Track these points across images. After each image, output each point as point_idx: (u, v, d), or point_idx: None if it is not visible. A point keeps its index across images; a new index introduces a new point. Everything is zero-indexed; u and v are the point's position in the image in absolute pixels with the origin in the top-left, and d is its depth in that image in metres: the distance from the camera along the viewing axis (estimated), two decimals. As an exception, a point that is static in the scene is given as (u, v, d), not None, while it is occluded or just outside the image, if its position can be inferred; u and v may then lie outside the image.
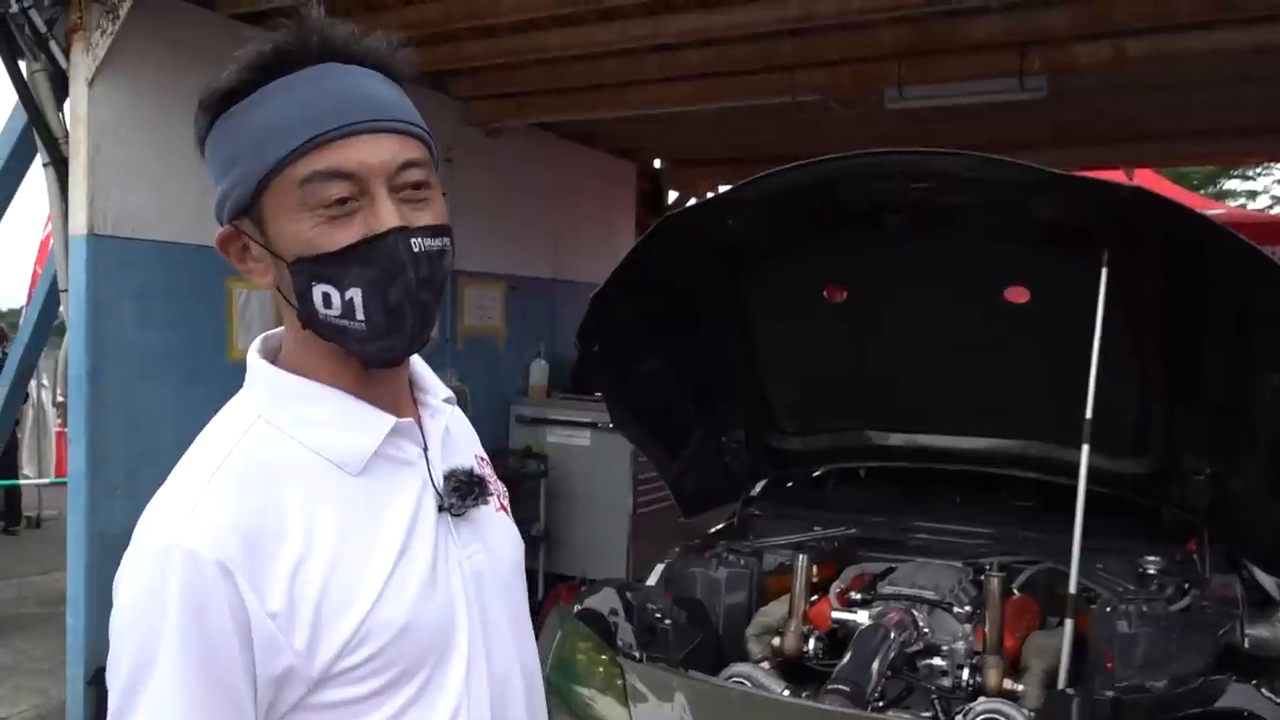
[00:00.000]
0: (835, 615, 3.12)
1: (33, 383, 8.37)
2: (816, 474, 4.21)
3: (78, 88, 4.06)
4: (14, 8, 4.05)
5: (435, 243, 0.98)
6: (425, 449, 1.07)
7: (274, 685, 0.92)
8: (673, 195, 8.44)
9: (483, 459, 1.19)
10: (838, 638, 3.16)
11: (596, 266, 7.14)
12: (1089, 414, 2.76)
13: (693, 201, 7.74)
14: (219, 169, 0.99)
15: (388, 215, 0.95)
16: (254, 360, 1.05)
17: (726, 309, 3.49)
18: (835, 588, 3.30)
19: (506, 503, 1.18)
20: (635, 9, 4.35)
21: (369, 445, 1.01)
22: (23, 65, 4.21)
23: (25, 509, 9.03)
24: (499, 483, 1.16)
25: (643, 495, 5.89)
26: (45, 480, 8.78)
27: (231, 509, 0.92)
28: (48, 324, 4.85)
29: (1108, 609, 2.94)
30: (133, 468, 4.16)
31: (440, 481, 1.06)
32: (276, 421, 1.00)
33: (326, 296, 0.95)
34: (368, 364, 1.01)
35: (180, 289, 4.31)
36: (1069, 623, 2.78)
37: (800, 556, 3.14)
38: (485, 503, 1.09)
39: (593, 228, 7.27)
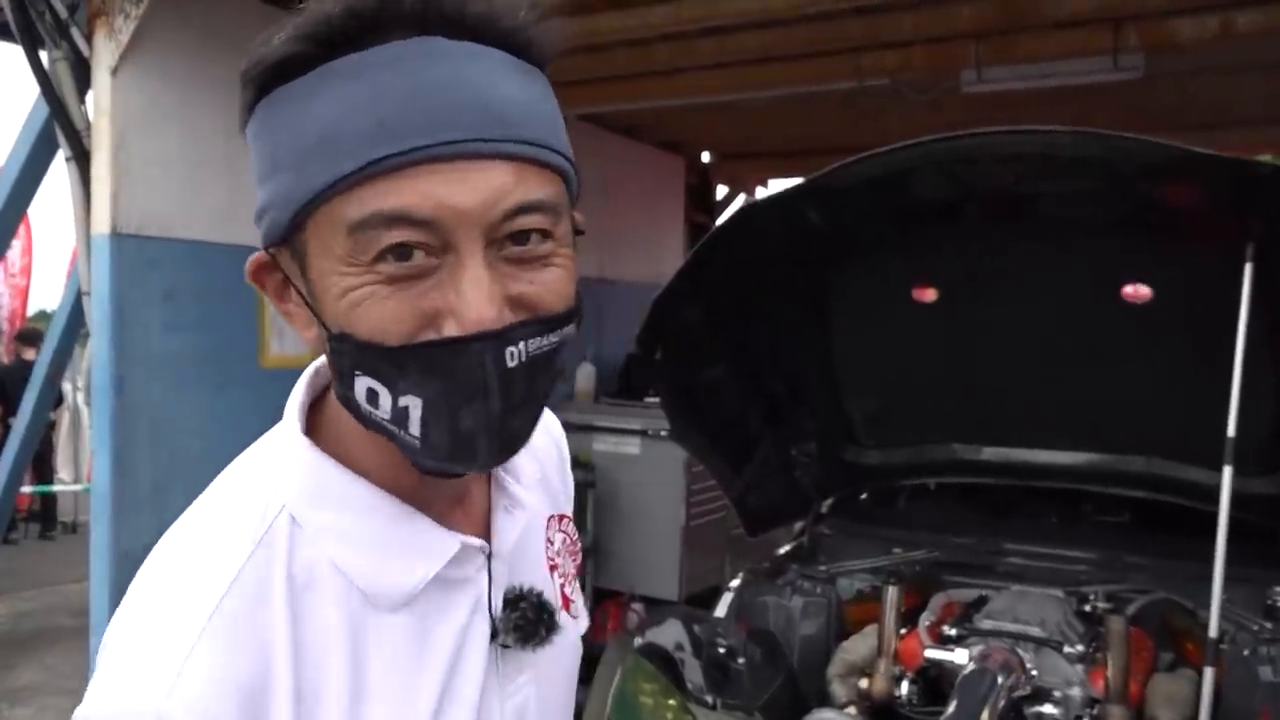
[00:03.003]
0: (929, 654, 2.79)
1: (67, 385, 8.25)
2: (889, 489, 3.88)
3: (101, 77, 3.83)
4: (34, -7, 3.83)
5: (545, 343, 0.68)
6: (490, 556, 0.80)
7: None
8: (722, 190, 8.12)
9: (565, 518, 0.95)
10: (930, 677, 2.85)
11: (643, 265, 6.86)
12: (1231, 431, 2.41)
13: (768, 192, 7.42)
14: (259, 170, 0.69)
15: (474, 299, 0.64)
16: (292, 424, 0.77)
17: (801, 311, 3.18)
18: (924, 620, 2.98)
19: (574, 591, 0.92)
20: (690, -12, 4.06)
21: (416, 580, 0.74)
22: (44, 54, 3.98)
23: (61, 514, 8.91)
24: (577, 555, 0.93)
25: (695, 507, 5.60)
26: (80, 486, 8.64)
27: (232, 662, 0.66)
28: (76, 327, 4.65)
29: (1246, 651, 2.60)
30: (159, 481, 3.93)
31: (499, 606, 0.80)
32: (306, 523, 0.73)
33: (373, 394, 0.67)
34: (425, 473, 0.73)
35: (209, 291, 4.07)
36: (1209, 671, 2.44)
37: (891, 589, 2.82)
38: (550, 643, 0.82)
39: (639, 225, 6.98)
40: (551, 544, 0.91)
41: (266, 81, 0.66)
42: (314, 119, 0.64)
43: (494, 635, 0.78)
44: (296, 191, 0.65)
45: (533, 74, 0.69)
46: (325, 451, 0.75)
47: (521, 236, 0.66)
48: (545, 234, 0.67)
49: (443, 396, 0.65)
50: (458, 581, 0.77)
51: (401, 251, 0.63)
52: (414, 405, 0.65)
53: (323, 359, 0.77)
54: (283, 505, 0.73)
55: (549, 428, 0.98)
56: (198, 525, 0.74)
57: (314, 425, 0.77)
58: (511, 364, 0.65)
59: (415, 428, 0.67)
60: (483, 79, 0.65)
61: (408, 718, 0.73)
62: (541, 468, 0.93)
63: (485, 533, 0.81)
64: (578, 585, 0.93)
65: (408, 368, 0.65)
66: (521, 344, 0.65)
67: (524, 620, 0.79)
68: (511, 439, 0.69)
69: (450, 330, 0.64)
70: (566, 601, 0.90)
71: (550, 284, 0.68)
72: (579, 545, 0.96)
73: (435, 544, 0.75)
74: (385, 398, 0.66)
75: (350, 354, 0.66)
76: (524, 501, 0.84)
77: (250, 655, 0.67)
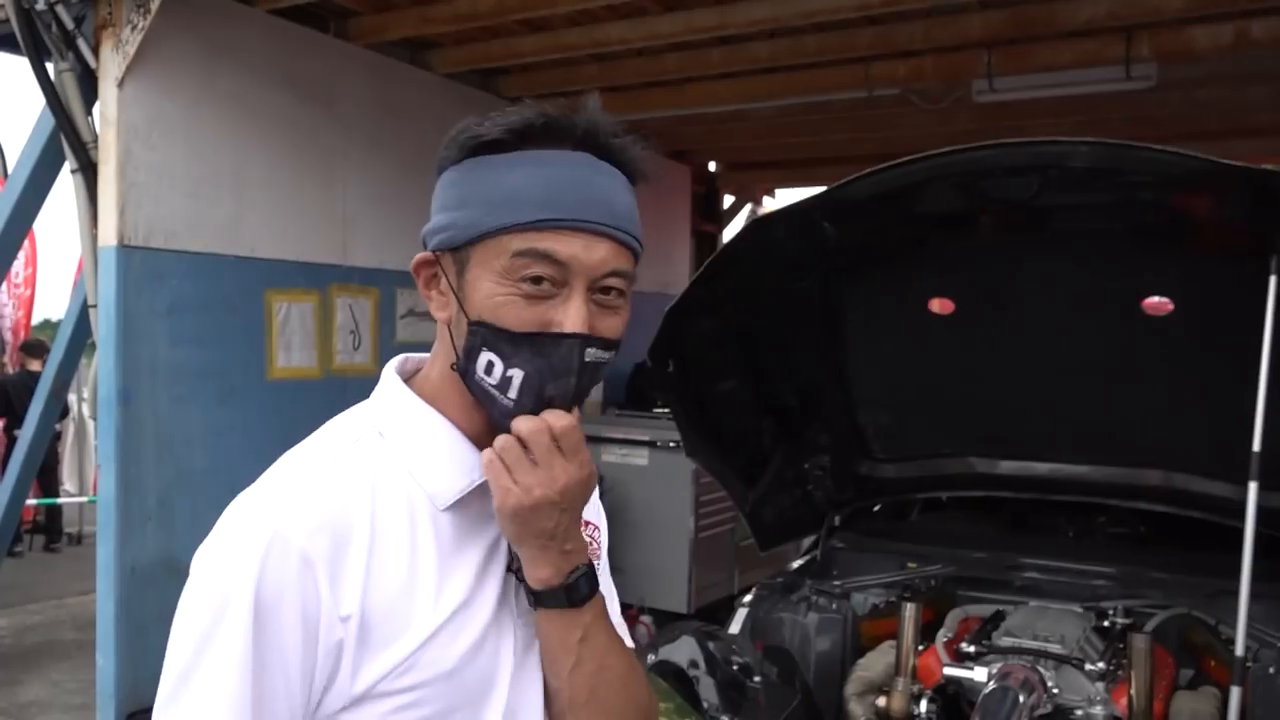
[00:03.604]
0: (948, 672, 2.75)
1: (72, 396, 8.22)
2: (900, 502, 3.84)
3: (107, 88, 3.81)
4: (41, 4, 3.81)
5: (604, 355, 1.01)
6: None
7: (322, 689, 0.95)
8: (729, 200, 8.09)
9: (597, 528, 1.21)
10: (948, 695, 2.80)
11: (650, 275, 6.82)
12: (1257, 445, 2.37)
13: (775, 201, 7.39)
14: (447, 201, 1.02)
15: (576, 316, 0.98)
16: (389, 376, 1.09)
17: (815, 323, 3.14)
18: (941, 637, 2.94)
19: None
20: (700, -2, 4.04)
21: (463, 485, 1.04)
22: (50, 66, 3.96)
23: (66, 525, 8.88)
24: (598, 555, 1.16)
25: (704, 518, 5.56)
26: (85, 497, 8.60)
27: (331, 508, 0.96)
28: (82, 340, 4.62)
29: (1271, 669, 2.55)
30: (165, 494, 3.90)
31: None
32: (391, 438, 1.04)
33: (490, 365, 0.99)
34: (498, 428, 1.02)
35: (215, 303, 4.05)
36: (1235, 690, 2.39)
37: (908, 605, 2.77)
38: None
39: (646, 234, 6.87)
40: (592, 529, 1.19)
41: (476, 149, 0.99)
42: (507, 182, 0.97)
43: (509, 568, 1.05)
44: (487, 220, 0.97)
45: (630, 188, 1.04)
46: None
47: (607, 289, 1.00)
48: (620, 293, 1.02)
49: (539, 374, 0.97)
50: (488, 514, 1.03)
51: (537, 280, 0.96)
52: (517, 375, 0.97)
53: (400, 359, 1.11)
54: (373, 428, 1.04)
55: None
56: (308, 442, 1.04)
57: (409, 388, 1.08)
58: (589, 359, 0.99)
59: (514, 391, 0.98)
60: (610, 188, 1.00)
61: (443, 595, 1.00)
62: None
63: None
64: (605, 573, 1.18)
65: (522, 348, 0.97)
66: (593, 349, 0.99)
67: None
68: (568, 409, 1.00)
69: (558, 329, 0.96)
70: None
71: (616, 320, 1.02)
72: (601, 551, 1.20)
73: (475, 466, 1.03)
74: (499, 368, 0.97)
75: (484, 335, 0.97)
76: None
77: (344, 509, 0.97)
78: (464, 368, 1.00)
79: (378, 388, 1.09)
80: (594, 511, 1.20)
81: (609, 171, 1.01)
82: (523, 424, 0.98)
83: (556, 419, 0.98)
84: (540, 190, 0.96)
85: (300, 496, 0.96)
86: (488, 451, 0.99)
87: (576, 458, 1.00)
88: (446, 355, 1.03)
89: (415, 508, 1.01)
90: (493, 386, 0.98)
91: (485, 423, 1.03)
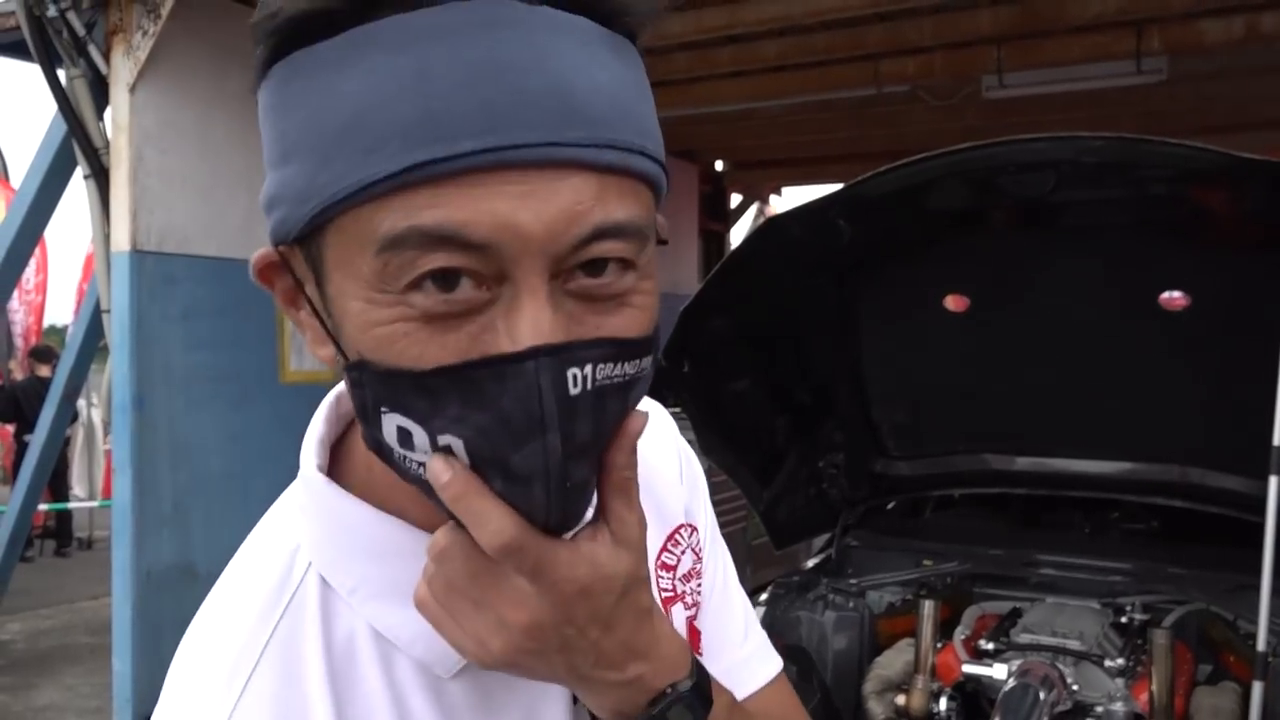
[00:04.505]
0: (967, 669, 2.75)
1: (81, 400, 8.24)
2: (914, 500, 3.84)
3: (118, 94, 3.82)
4: (52, 10, 3.82)
5: (616, 372, 0.53)
6: None
7: None
8: (736, 198, 8.09)
9: (684, 528, 0.79)
10: (967, 692, 2.80)
11: (658, 274, 6.82)
12: (1277, 439, 2.36)
13: (782, 200, 7.38)
14: (269, 150, 0.55)
15: (529, 323, 0.50)
16: (309, 465, 0.64)
17: (830, 321, 3.14)
18: (959, 634, 2.94)
19: (708, 616, 0.78)
20: (710, -4, 4.04)
21: None
22: (61, 73, 3.98)
23: (76, 530, 8.90)
24: (693, 570, 0.77)
25: (716, 517, 5.54)
26: (95, 502, 8.63)
27: None
28: (93, 345, 4.64)
29: (1292, 665, 2.54)
30: (180, 499, 3.91)
31: None
32: (336, 583, 0.62)
33: (405, 434, 0.53)
34: None
35: (228, 307, 4.06)
36: (1257, 686, 2.39)
37: (926, 603, 2.77)
38: None
39: (653, 234, 6.95)
40: (672, 570, 0.77)
41: (283, 40, 0.52)
42: (342, 97, 0.50)
43: (577, 699, 0.64)
44: (315, 189, 0.51)
45: (622, 48, 0.54)
46: (354, 493, 0.63)
47: (597, 266, 0.52)
48: (626, 264, 0.54)
49: (488, 436, 0.51)
50: None
51: (445, 280, 0.50)
52: (456, 446, 0.52)
53: (334, 397, 0.68)
54: (309, 564, 0.62)
55: (677, 441, 0.84)
56: (221, 599, 0.64)
57: (339, 462, 0.66)
58: (575, 390, 0.51)
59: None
60: (563, 60, 0.50)
61: None
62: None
63: None
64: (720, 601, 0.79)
65: (445, 398, 0.51)
66: (589, 367, 0.51)
67: None
68: (577, 492, 0.54)
69: (496, 352, 0.50)
70: (696, 636, 0.76)
71: (629, 312, 0.54)
72: (708, 561, 0.80)
73: None
74: (420, 437, 0.52)
75: (372, 385, 0.53)
76: None
77: None
78: (371, 439, 0.56)
79: (299, 480, 0.66)
80: (685, 496, 0.81)
81: (556, 23, 0.51)
82: (440, 538, 0.56)
83: (486, 524, 0.52)
84: (408, 102, 0.49)
85: None
86: (419, 585, 0.57)
87: (550, 572, 0.54)
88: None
89: (406, 690, 0.62)
90: (422, 467, 0.54)
91: None
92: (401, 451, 0.54)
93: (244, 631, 0.61)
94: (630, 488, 0.57)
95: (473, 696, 0.63)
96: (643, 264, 0.55)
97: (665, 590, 0.76)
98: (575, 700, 0.66)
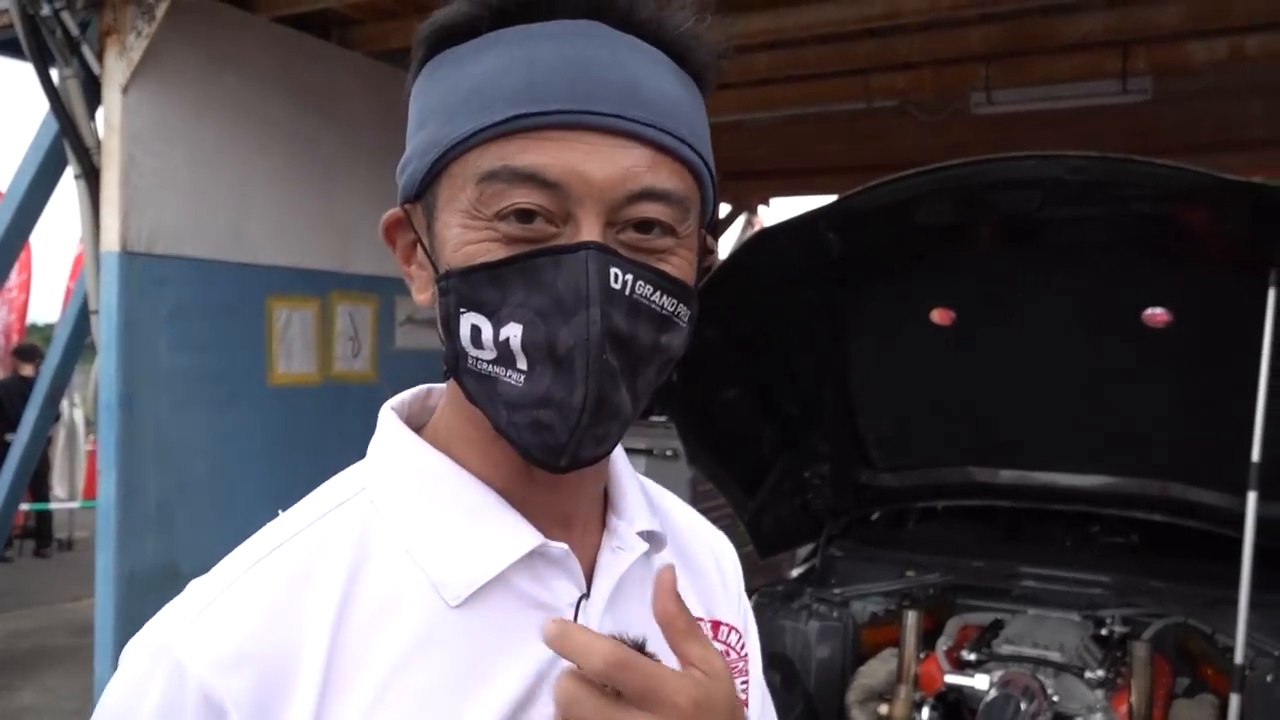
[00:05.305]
0: (949, 679, 2.78)
1: (64, 401, 8.19)
2: (898, 511, 3.87)
3: (111, 94, 3.81)
4: (45, 10, 3.81)
5: (655, 296, 0.64)
6: (586, 596, 0.72)
7: None
8: (724, 209, 8.11)
9: (732, 630, 0.85)
10: (949, 702, 2.83)
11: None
12: (1256, 456, 2.40)
13: (771, 211, 7.40)
14: (410, 127, 0.71)
15: (584, 234, 0.63)
16: (385, 414, 0.76)
17: (817, 333, 3.17)
18: (942, 645, 2.97)
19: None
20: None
21: (486, 569, 0.68)
22: (54, 72, 3.96)
23: (56, 530, 8.84)
24: (743, 674, 0.83)
25: (701, 526, 5.55)
26: (76, 503, 8.57)
27: (260, 624, 0.64)
28: (79, 345, 4.61)
29: (1269, 677, 2.58)
30: (165, 501, 3.89)
31: None
32: (383, 504, 0.70)
33: (476, 332, 0.65)
34: (519, 451, 0.67)
35: (217, 309, 4.04)
36: (1234, 698, 2.42)
37: (910, 613, 2.80)
38: None
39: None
40: (728, 631, 0.85)
41: (436, 42, 0.68)
42: (470, 76, 0.65)
43: None
44: (439, 140, 0.66)
45: (687, 81, 0.69)
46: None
47: (644, 226, 0.65)
48: (668, 230, 0.65)
49: (541, 316, 0.62)
50: (541, 604, 0.69)
51: (525, 215, 0.63)
52: (515, 335, 0.63)
53: (410, 393, 0.79)
54: (362, 488, 0.72)
55: (714, 539, 0.93)
56: (287, 513, 0.73)
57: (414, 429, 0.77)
58: (615, 285, 0.62)
59: (521, 360, 0.64)
60: (637, 68, 0.65)
61: None
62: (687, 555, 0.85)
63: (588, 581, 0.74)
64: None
65: (511, 285, 0.63)
66: (629, 275, 0.63)
67: None
68: (607, 381, 0.63)
69: (556, 243, 0.64)
70: None
71: (668, 265, 0.66)
72: (745, 661, 0.85)
73: (510, 535, 0.69)
74: (488, 332, 0.64)
75: (456, 287, 0.65)
76: (632, 545, 0.76)
77: (285, 625, 0.64)
78: (452, 358, 0.67)
79: (377, 432, 0.76)
80: (731, 602, 0.88)
81: (637, 45, 0.66)
82: (562, 691, 0.59)
83: (593, 652, 0.57)
84: (518, 74, 0.64)
85: (218, 606, 0.64)
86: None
87: (660, 690, 0.58)
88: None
89: (411, 610, 0.67)
90: (490, 364, 0.65)
91: (516, 463, 0.68)
92: (473, 353, 0.66)
93: (289, 523, 0.70)
94: (696, 630, 0.62)
95: (472, 631, 0.67)
96: (683, 234, 0.67)
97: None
98: None
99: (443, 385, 0.77)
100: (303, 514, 0.70)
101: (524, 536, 0.69)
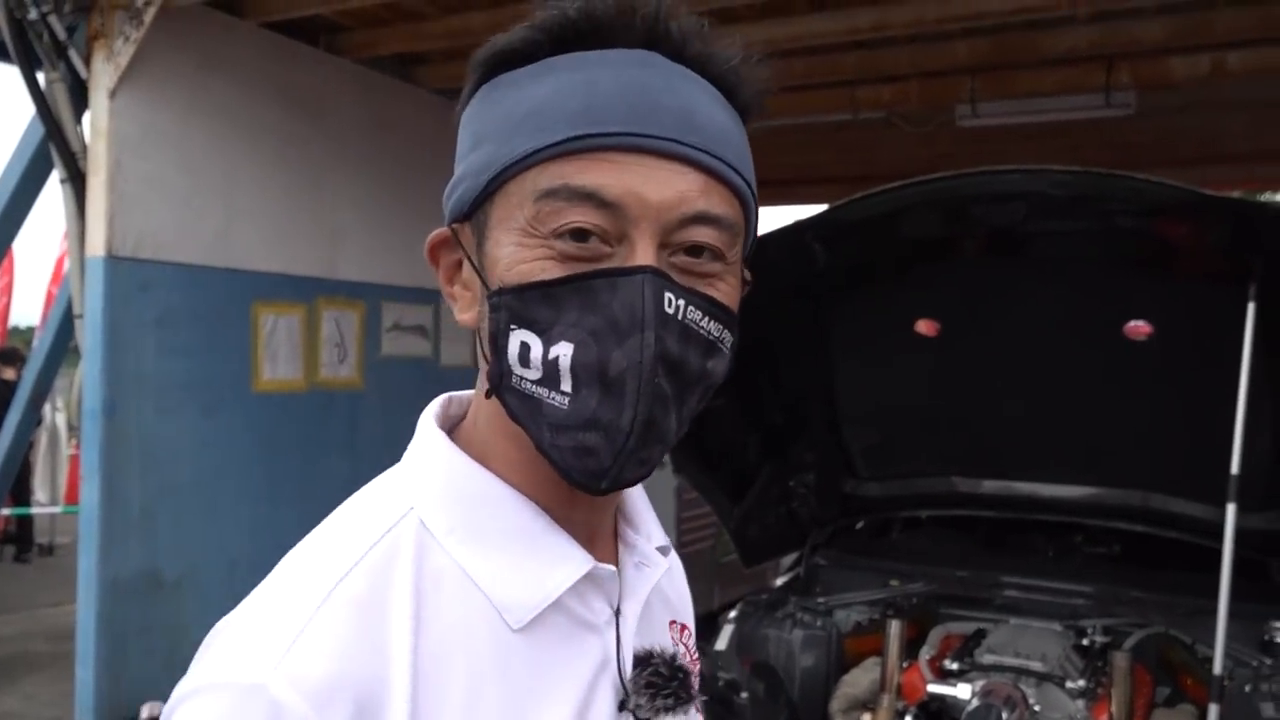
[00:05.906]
0: (932, 689, 2.79)
1: (45, 405, 8.13)
2: (882, 520, 3.89)
3: (98, 99, 3.81)
4: (33, 14, 3.80)
5: (704, 322, 0.66)
6: (618, 613, 0.75)
7: None
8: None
9: (687, 630, 0.87)
10: (931, 711, 2.84)
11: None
12: (1235, 468, 2.43)
13: (764, 224, 7.40)
14: (462, 148, 0.72)
15: (640, 257, 0.65)
16: (428, 429, 0.75)
17: (803, 343, 3.19)
18: (924, 654, 2.98)
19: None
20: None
21: (546, 592, 0.70)
22: (40, 76, 3.96)
23: (37, 535, 8.77)
24: (697, 665, 0.85)
25: (686, 534, 5.58)
26: (58, 508, 8.51)
27: (346, 654, 0.63)
28: (62, 349, 4.59)
29: (1247, 688, 2.60)
30: (149, 506, 3.88)
31: (629, 666, 0.73)
32: (435, 525, 0.70)
33: (524, 350, 0.66)
34: (561, 473, 0.68)
35: (203, 315, 4.04)
36: (1213, 708, 2.44)
37: (893, 623, 2.81)
38: (684, 713, 0.76)
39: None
40: (687, 634, 0.87)
41: (493, 66, 0.70)
42: (529, 99, 0.67)
43: (623, 706, 0.72)
44: (496, 160, 0.67)
45: (733, 113, 0.70)
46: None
47: (695, 250, 0.66)
48: (718, 255, 0.67)
49: (595, 337, 0.63)
50: (587, 624, 0.72)
51: (580, 235, 0.64)
52: (564, 354, 0.64)
53: (441, 402, 0.78)
54: (411, 507, 0.71)
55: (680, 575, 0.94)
56: (326, 527, 0.72)
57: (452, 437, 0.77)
58: (669, 310, 0.64)
59: (565, 381, 0.64)
60: (691, 97, 0.67)
61: None
62: (674, 582, 0.88)
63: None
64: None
65: (566, 304, 0.64)
66: (682, 301, 0.64)
67: (657, 678, 0.73)
68: (657, 406, 0.64)
69: (612, 265, 0.65)
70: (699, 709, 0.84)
71: (716, 290, 0.68)
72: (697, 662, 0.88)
73: (569, 558, 0.71)
74: (537, 350, 0.65)
75: (508, 304, 0.66)
76: (654, 560, 0.79)
77: (368, 652, 0.64)
78: (497, 372, 0.68)
79: (412, 445, 0.76)
80: (685, 601, 0.90)
81: (689, 76, 0.68)
82: None
83: None
84: (577, 97, 0.66)
85: (305, 641, 0.63)
86: None
87: None
88: (482, 377, 0.72)
89: (480, 634, 0.68)
90: (535, 384, 0.66)
91: (554, 480, 0.69)
92: (519, 371, 0.66)
93: (344, 548, 0.68)
94: None
95: (532, 654, 0.69)
96: (730, 260, 0.69)
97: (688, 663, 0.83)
98: (622, 706, 0.73)
99: (461, 393, 0.78)
100: (356, 538, 0.69)
101: (578, 560, 0.71)
